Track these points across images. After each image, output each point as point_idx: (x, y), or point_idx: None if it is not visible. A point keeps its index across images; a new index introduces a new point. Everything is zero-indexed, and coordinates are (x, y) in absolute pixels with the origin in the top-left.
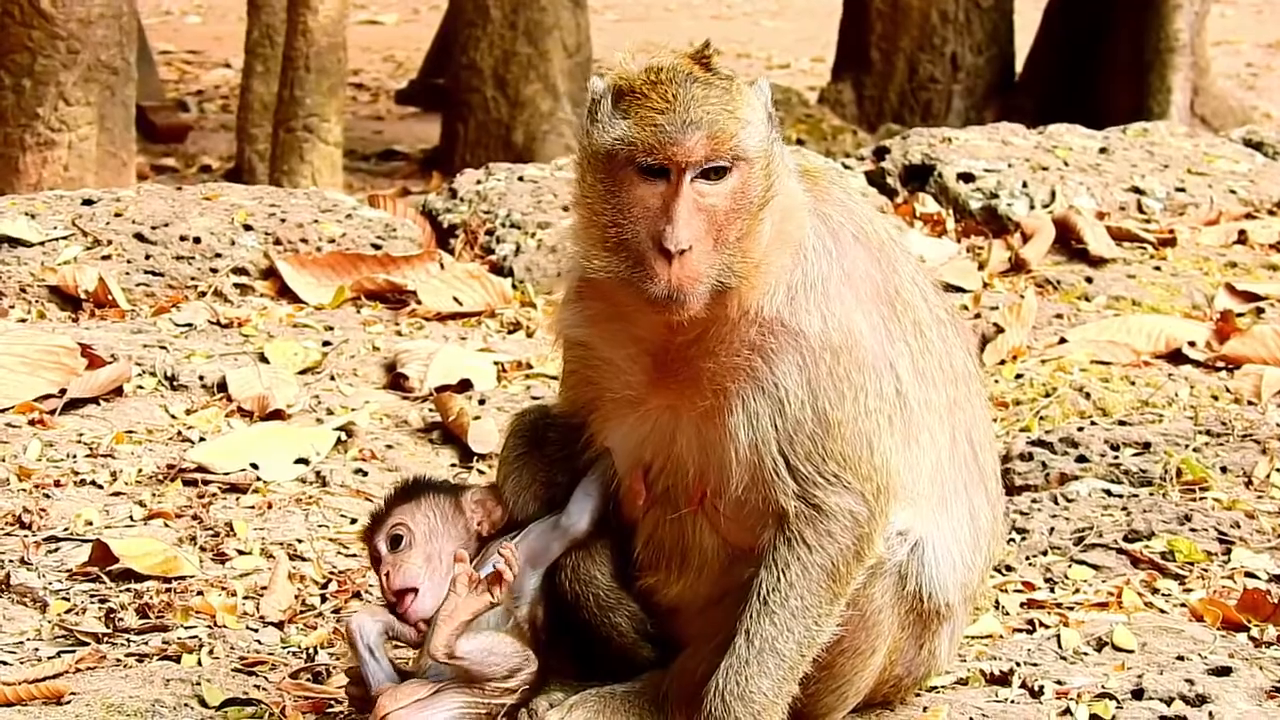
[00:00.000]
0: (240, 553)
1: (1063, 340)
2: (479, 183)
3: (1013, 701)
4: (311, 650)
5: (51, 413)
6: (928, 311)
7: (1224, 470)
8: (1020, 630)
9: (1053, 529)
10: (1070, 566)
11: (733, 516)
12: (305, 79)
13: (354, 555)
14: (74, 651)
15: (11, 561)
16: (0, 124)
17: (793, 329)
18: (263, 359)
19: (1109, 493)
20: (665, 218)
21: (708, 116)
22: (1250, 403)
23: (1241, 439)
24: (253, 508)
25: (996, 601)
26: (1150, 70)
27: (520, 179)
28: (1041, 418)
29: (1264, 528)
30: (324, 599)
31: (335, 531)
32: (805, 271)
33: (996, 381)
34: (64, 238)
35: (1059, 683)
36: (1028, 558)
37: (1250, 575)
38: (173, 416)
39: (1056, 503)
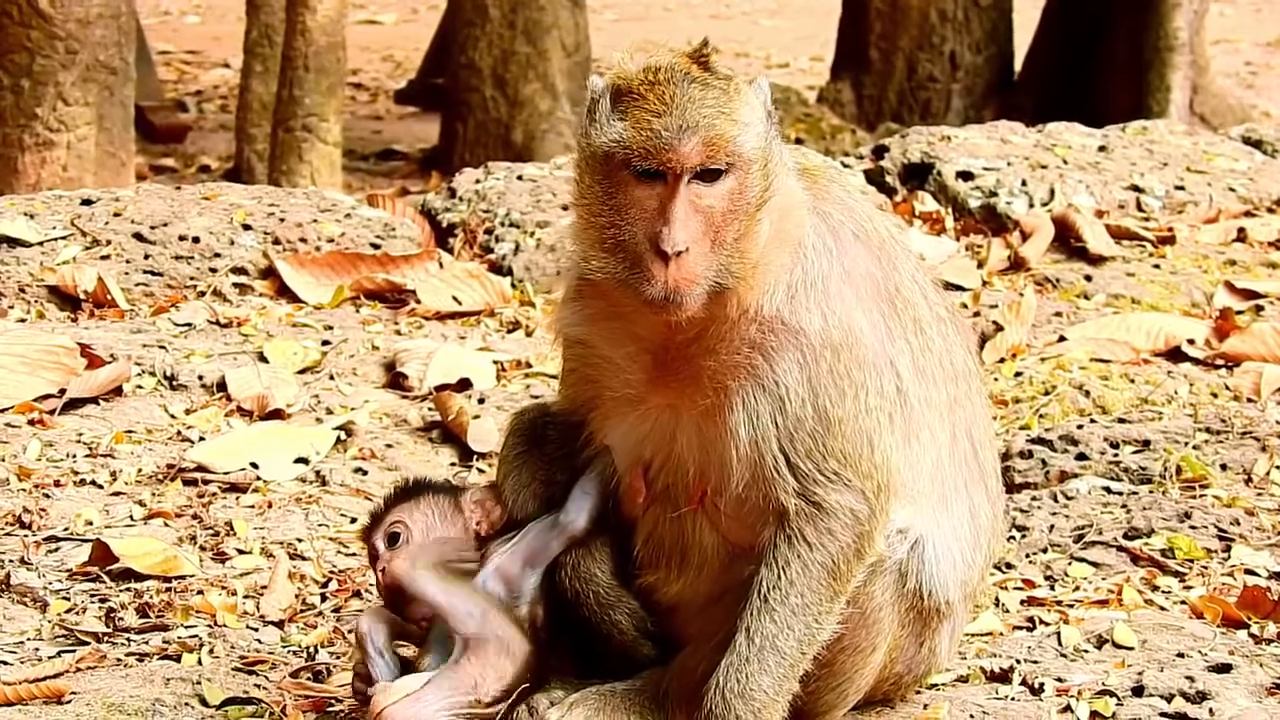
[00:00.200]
0: (240, 552)
1: (1062, 338)
2: (478, 182)
3: (1013, 699)
4: (312, 649)
5: (51, 412)
6: (928, 309)
7: (1224, 468)
8: (1020, 628)
9: (1053, 526)
10: (1070, 564)
11: (733, 514)
12: (304, 79)
13: (354, 554)
14: (74, 651)
15: (11, 561)
16: None
17: (793, 327)
18: (262, 358)
19: (1109, 490)
20: (662, 219)
21: (704, 119)
22: (1250, 400)
23: (1241, 436)
24: (252, 507)
25: (997, 599)
26: (1149, 69)
27: (519, 178)
28: (1041, 415)
29: (1264, 525)
30: (324, 598)
31: (335, 530)
32: (805, 270)
33: (996, 379)
34: (63, 238)
35: (1059, 680)
36: (1028, 555)
37: (1250, 572)
38: (172, 416)
39: (1056, 500)
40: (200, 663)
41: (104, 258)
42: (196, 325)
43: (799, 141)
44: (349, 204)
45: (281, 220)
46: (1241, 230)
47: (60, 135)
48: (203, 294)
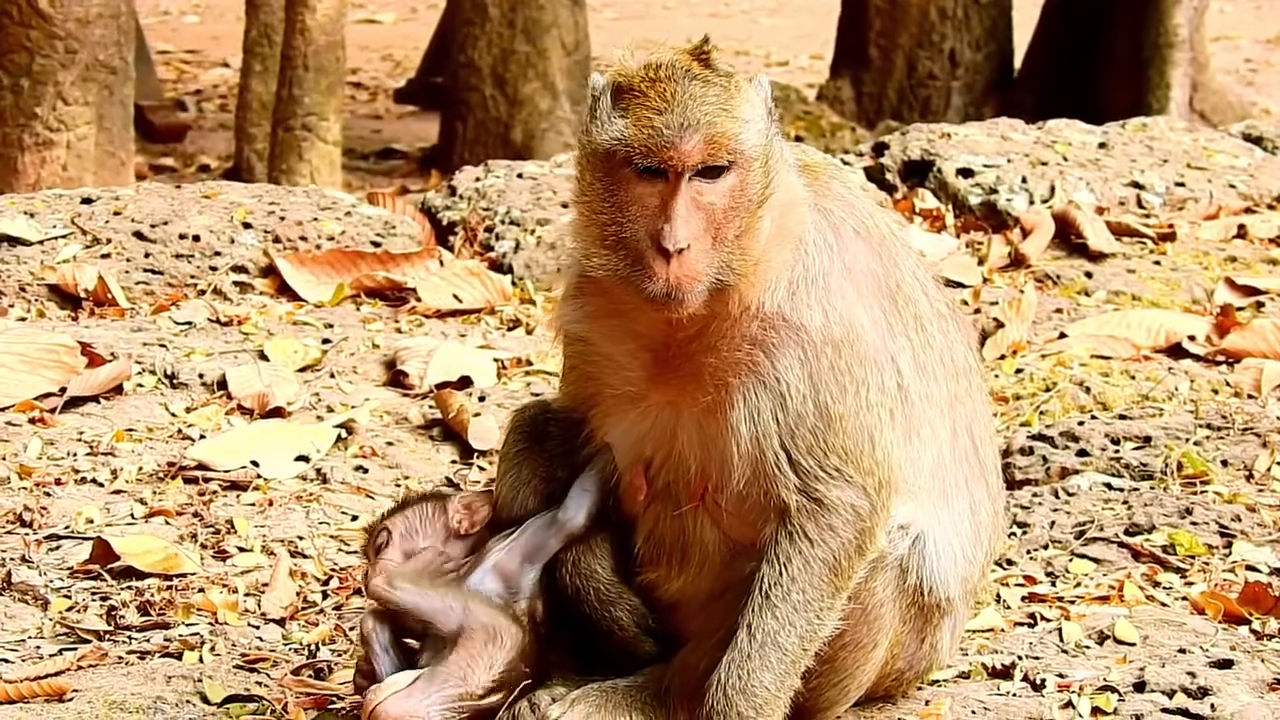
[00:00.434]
0: (241, 550)
1: (1062, 335)
2: (478, 180)
3: (1015, 695)
4: (313, 647)
5: (52, 411)
6: (929, 306)
7: (1225, 464)
8: (1022, 624)
9: (1054, 523)
10: (1071, 560)
11: (734, 511)
12: (304, 78)
13: (355, 552)
14: (75, 649)
15: (13, 560)
16: None
17: (794, 323)
18: (262, 357)
19: (1110, 486)
20: (663, 217)
21: (705, 117)
22: (1250, 396)
23: (1242, 432)
24: (253, 505)
25: (998, 595)
26: (1149, 66)
27: (519, 176)
28: (1042, 412)
29: (1265, 521)
30: (325, 596)
31: (336, 528)
32: (806, 266)
33: (997, 376)
34: (63, 236)
35: (1061, 676)
36: (1029, 552)
37: (1251, 568)
38: (173, 414)
39: (1057, 496)
40: (201, 660)
41: (104, 256)
42: (197, 324)
43: (799, 139)
44: (349, 202)
45: (282, 218)
46: (1242, 227)
47: (60, 135)
48: (203, 292)
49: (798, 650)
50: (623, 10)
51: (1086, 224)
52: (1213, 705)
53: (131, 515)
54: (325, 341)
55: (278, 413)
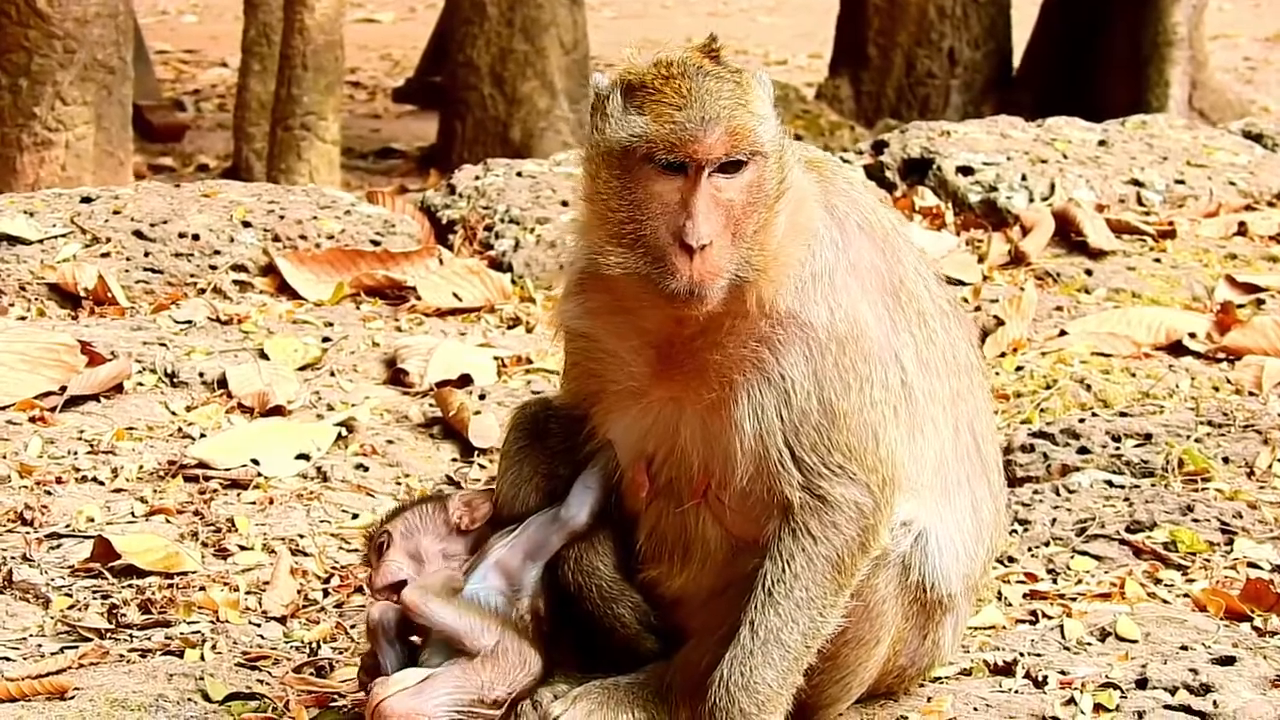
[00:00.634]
0: (242, 548)
1: (1063, 333)
2: (477, 178)
3: (1016, 691)
4: (314, 644)
5: (52, 410)
6: (931, 302)
7: (1226, 461)
8: (1023, 621)
9: (1055, 520)
10: (1073, 558)
11: (737, 508)
12: (302, 77)
13: (355, 550)
14: (77, 647)
15: (14, 558)
16: None
17: (800, 320)
18: (262, 355)
19: (1111, 484)
20: (685, 213)
21: (725, 111)
22: (1251, 394)
23: (1243, 429)
24: (254, 503)
25: (999, 593)
26: (1148, 64)
27: (519, 174)
28: (1042, 410)
29: (1266, 518)
30: (326, 594)
31: (337, 526)
32: (813, 262)
33: (997, 374)
34: (63, 235)
35: (1063, 673)
36: (1030, 549)
37: (1253, 565)
38: (173, 413)
39: (1058, 494)
40: (203, 658)
41: (104, 255)
42: (197, 322)
43: (798, 138)
44: (348, 201)
45: (281, 217)
46: (1242, 224)
47: (58, 134)
48: (203, 291)
49: (800, 647)
50: (621, 9)
51: (1087, 222)
52: (1215, 702)
53: (132, 514)
54: (325, 340)
55: (278, 411)
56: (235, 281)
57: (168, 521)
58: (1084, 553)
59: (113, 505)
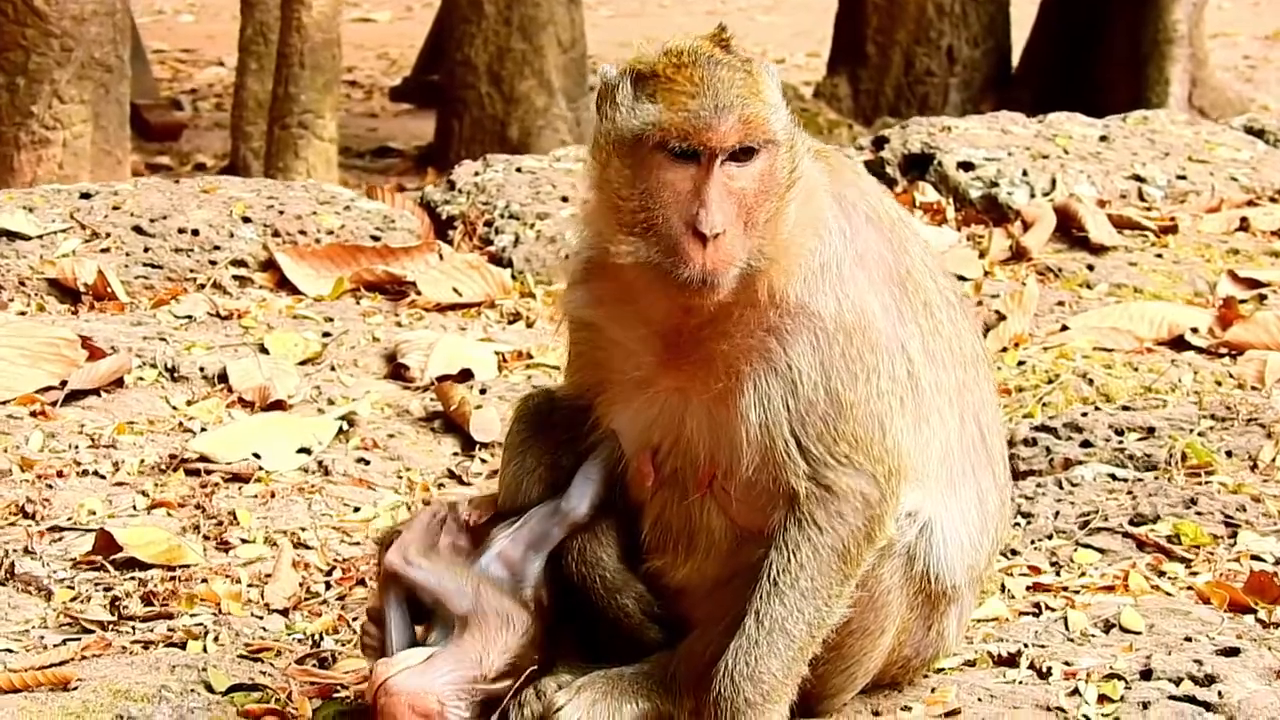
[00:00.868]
0: (244, 541)
1: (1065, 328)
2: (477, 174)
3: (1021, 682)
4: (317, 636)
5: (53, 404)
6: (937, 293)
7: (1229, 454)
8: (1027, 613)
9: (1058, 513)
10: (1076, 550)
11: (742, 498)
12: (299, 76)
13: (358, 543)
14: (80, 639)
15: (16, 551)
16: None
17: (808, 310)
18: (263, 350)
19: (1114, 477)
20: (698, 201)
21: (739, 100)
22: (1254, 389)
23: (1246, 423)
24: (255, 496)
25: (1002, 585)
26: (1148, 62)
27: (518, 170)
28: (1044, 404)
29: (1270, 511)
30: (328, 586)
31: (338, 520)
32: (821, 252)
33: (1000, 368)
34: (62, 231)
35: (1067, 664)
36: (1033, 542)
37: (1256, 558)
38: (174, 407)
39: (1061, 487)
40: (205, 650)
41: (104, 251)
42: (197, 317)
43: None
44: (348, 196)
45: (281, 213)
46: (1244, 219)
47: (56, 133)
48: (203, 286)
49: (805, 637)
50: (618, 8)
51: (1088, 217)
52: (1220, 693)
53: (134, 507)
54: (325, 335)
55: (279, 406)
56: (235, 277)
57: (169, 515)
58: (1087, 546)
59: (114, 499)
